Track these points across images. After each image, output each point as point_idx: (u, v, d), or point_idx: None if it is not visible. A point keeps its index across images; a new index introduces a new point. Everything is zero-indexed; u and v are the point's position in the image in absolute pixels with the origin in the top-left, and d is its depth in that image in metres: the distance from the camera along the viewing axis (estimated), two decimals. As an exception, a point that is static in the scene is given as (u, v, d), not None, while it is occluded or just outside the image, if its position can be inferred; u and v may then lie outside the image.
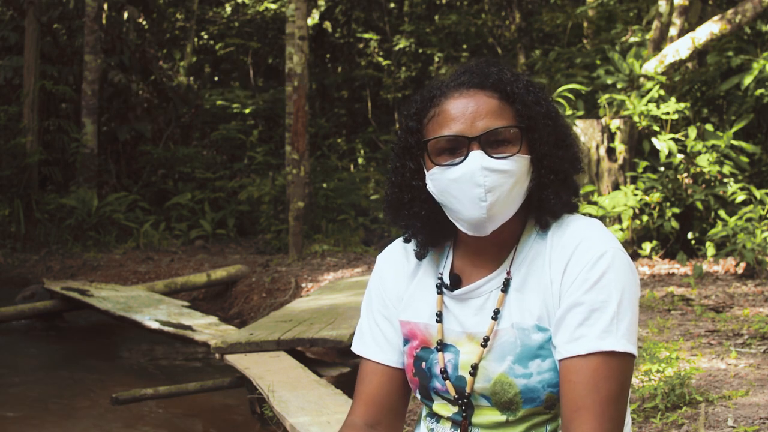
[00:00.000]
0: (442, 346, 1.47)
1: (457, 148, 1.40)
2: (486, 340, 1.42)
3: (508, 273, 1.44)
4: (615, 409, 1.31)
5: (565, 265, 1.39)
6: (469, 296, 1.47)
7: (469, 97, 1.41)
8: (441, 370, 1.45)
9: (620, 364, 1.32)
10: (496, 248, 1.47)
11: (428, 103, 1.45)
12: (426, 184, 1.46)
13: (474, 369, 1.42)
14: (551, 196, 1.43)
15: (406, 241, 1.56)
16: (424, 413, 1.57)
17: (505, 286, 1.44)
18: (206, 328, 6.29)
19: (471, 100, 1.40)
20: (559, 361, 1.35)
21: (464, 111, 1.40)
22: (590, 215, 5.69)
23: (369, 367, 1.56)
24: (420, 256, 1.54)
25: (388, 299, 1.57)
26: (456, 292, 1.48)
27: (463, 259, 1.51)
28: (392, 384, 1.54)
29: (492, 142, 1.39)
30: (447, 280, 1.50)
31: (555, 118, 1.46)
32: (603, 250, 1.37)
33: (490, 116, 1.39)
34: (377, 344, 1.55)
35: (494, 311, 1.43)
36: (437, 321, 1.48)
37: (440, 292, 1.50)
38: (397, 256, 1.59)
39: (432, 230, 1.50)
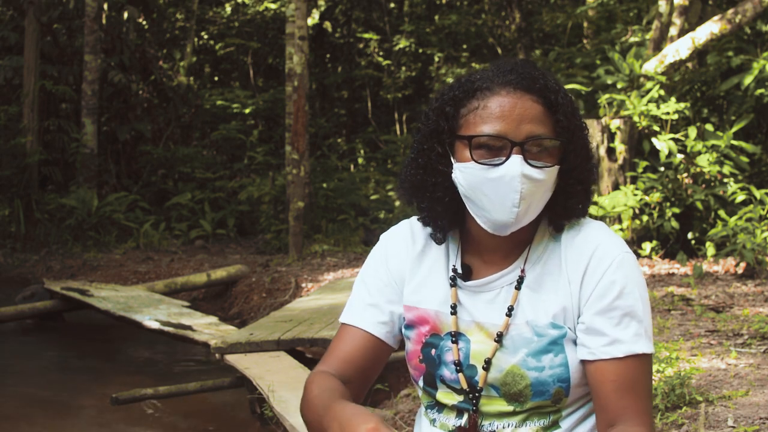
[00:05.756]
0: (456, 336, 1.48)
1: (497, 147, 1.40)
2: (500, 335, 1.44)
3: (522, 271, 1.47)
4: (648, 402, 1.41)
5: (584, 268, 1.43)
6: (480, 290, 1.49)
7: (516, 98, 1.40)
8: (455, 362, 1.47)
9: (648, 363, 1.42)
10: (508, 246, 1.48)
11: (470, 94, 1.44)
12: (451, 171, 1.46)
13: (487, 364, 1.44)
14: (578, 206, 1.47)
15: (425, 224, 1.55)
16: (423, 408, 1.57)
17: (519, 284, 1.46)
18: (206, 328, 6.29)
19: (518, 101, 1.40)
20: (592, 361, 1.41)
21: (511, 111, 1.39)
22: (590, 216, 5.68)
23: (352, 331, 1.56)
24: (439, 240, 1.54)
25: (391, 276, 1.57)
26: (468, 283, 1.49)
27: (473, 253, 1.52)
28: (371, 351, 1.54)
29: (531, 149, 1.40)
30: (460, 271, 1.52)
31: (586, 130, 1.49)
32: (621, 254, 1.43)
33: (534, 122, 1.40)
34: (363, 312, 1.56)
35: (508, 308, 1.45)
36: (452, 313, 1.49)
37: (454, 285, 1.51)
38: (403, 238, 1.59)
39: (453, 216, 1.51)
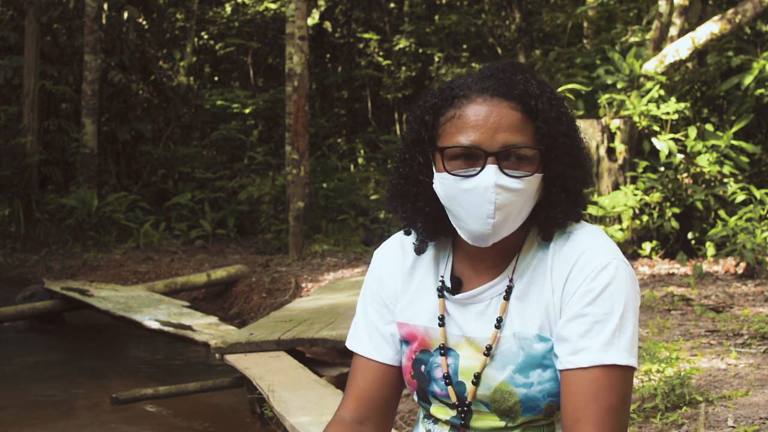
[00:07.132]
0: (445, 350, 1.45)
1: (472, 157, 1.36)
2: (489, 348, 1.41)
3: (510, 281, 1.43)
4: (616, 419, 1.31)
5: (567, 275, 1.38)
6: (470, 302, 1.45)
7: (492, 105, 1.36)
8: (444, 375, 1.44)
9: (621, 376, 1.32)
10: (497, 255, 1.45)
11: (448, 102, 1.40)
12: (432, 182, 1.43)
13: (477, 378, 1.41)
14: (560, 215, 1.41)
15: (407, 233, 1.54)
16: (422, 415, 1.56)
17: (507, 294, 1.42)
18: (206, 328, 6.29)
19: (494, 110, 1.36)
20: (561, 371, 1.35)
21: (486, 120, 1.35)
22: (590, 216, 5.67)
23: (361, 362, 1.54)
24: (419, 250, 1.51)
25: (385, 296, 1.54)
26: (457, 296, 1.46)
27: (464, 263, 1.49)
28: (384, 381, 1.52)
29: (509, 158, 1.35)
30: (448, 284, 1.48)
31: (573, 136, 1.42)
32: (606, 261, 1.36)
33: (510, 130, 1.35)
34: (371, 341, 1.53)
35: (497, 319, 1.41)
36: (440, 325, 1.46)
37: (441, 296, 1.48)
38: (394, 254, 1.56)
39: (434, 226, 1.48)
